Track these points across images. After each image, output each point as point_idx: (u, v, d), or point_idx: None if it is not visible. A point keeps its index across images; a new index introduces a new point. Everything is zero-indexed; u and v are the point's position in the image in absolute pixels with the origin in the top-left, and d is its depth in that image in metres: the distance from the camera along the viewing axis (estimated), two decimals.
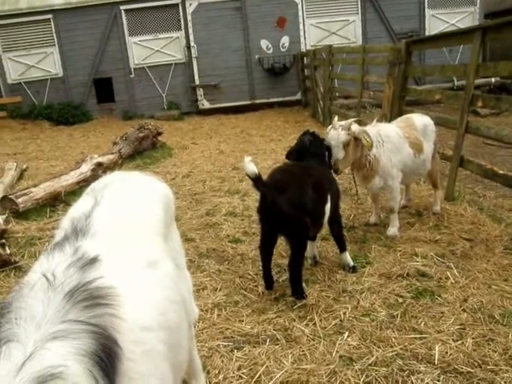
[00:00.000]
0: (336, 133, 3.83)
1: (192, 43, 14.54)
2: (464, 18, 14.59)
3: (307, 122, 11.67)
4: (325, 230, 4.41)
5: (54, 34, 14.44)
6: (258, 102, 14.89)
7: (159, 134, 9.20)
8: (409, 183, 4.90)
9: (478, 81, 10.55)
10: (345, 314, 3.01)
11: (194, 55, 14.61)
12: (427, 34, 14.22)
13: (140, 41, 14.61)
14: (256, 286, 3.46)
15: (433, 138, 4.53)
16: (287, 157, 3.79)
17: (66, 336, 0.92)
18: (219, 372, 2.52)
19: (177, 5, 14.37)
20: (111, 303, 1.05)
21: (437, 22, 14.62)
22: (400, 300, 3.14)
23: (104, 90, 14.69)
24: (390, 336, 2.74)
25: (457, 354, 2.54)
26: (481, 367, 2.43)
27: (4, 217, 4.70)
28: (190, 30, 14.47)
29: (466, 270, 3.49)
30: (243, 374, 2.50)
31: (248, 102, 14.86)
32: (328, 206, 3.45)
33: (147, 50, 14.65)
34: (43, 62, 14.66)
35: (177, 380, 1.38)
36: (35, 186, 5.52)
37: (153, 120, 12.38)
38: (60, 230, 1.47)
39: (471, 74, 4.84)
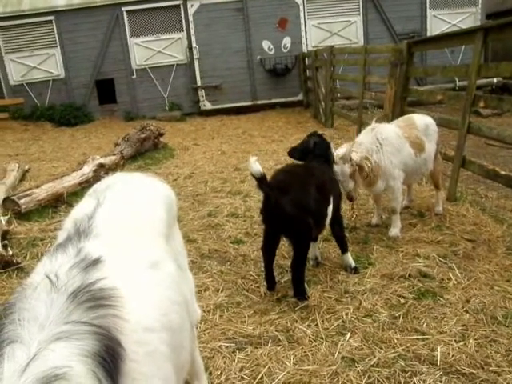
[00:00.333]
0: (339, 168, 3.84)
1: (194, 44, 14.56)
2: (466, 19, 14.58)
3: (309, 123, 11.67)
4: (326, 231, 4.41)
5: (56, 36, 14.47)
6: (259, 102, 14.90)
7: (161, 135, 9.21)
8: (411, 183, 4.89)
9: (480, 81, 10.54)
10: (347, 314, 3.01)
11: (195, 56, 14.62)
12: (429, 34, 14.21)
13: (142, 42, 14.64)
14: (258, 287, 3.46)
15: (435, 138, 4.53)
16: (290, 153, 3.79)
17: (70, 337, 0.92)
18: (221, 373, 2.52)
19: (178, 6, 14.39)
20: (114, 304, 1.05)
21: (438, 23, 14.61)
22: (402, 301, 3.13)
23: (106, 91, 14.72)
24: (392, 337, 2.73)
25: (459, 355, 2.54)
26: (483, 368, 2.43)
27: (6, 218, 4.71)
28: (192, 31, 14.49)
29: (468, 271, 3.48)
30: (245, 374, 2.50)
31: (250, 103, 14.87)
32: (331, 208, 3.45)
33: (149, 51, 14.67)
34: (45, 64, 14.69)
35: (179, 381, 1.38)
36: (37, 187, 5.53)
37: (154, 121, 12.39)
38: (63, 231, 1.47)
39: (473, 75, 4.84)
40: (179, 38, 14.68)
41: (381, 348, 2.65)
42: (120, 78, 14.79)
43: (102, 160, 6.91)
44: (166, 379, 1.18)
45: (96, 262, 1.16)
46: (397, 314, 2.97)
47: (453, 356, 2.53)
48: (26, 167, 7.76)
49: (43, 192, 5.42)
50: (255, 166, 2.98)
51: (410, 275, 3.45)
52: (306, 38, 14.75)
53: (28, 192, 5.31)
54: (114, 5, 14.21)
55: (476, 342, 2.64)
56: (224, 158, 8.19)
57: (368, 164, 3.93)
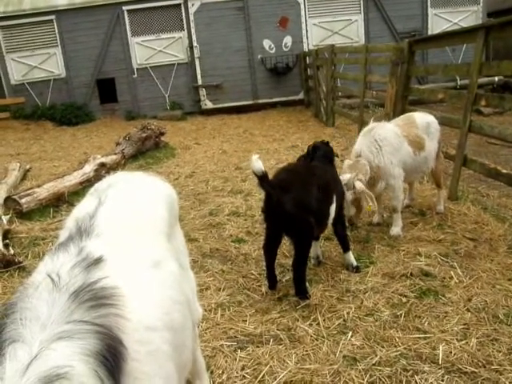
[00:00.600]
0: None
1: (194, 43, 14.56)
2: (467, 17, 14.56)
3: (310, 122, 11.67)
4: (328, 229, 4.41)
5: (57, 35, 14.49)
6: (260, 101, 14.90)
7: (162, 134, 9.21)
8: (412, 182, 4.88)
9: (482, 80, 10.53)
10: (348, 313, 3.00)
11: (196, 55, 14.62)
12: (430, 33, 14.20)
13: (142, 41, 14.64)
14: (259, 286, 3.46)
15: (437, 137, 4.52)
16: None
17: (72, 336, 0.92)
18: (223, 372, 2.52)
19: (179, 5, 14.39)
20: (116, 303, 1.05)
21: (440, 21, 14.60)
22: (404, 300, 3.13)
23: (107, 90, 14.73)
24: (394, 336, 2.73)
25: (461, 353, 2.53)
26: (485, 367, 2.42)
27: (8, 217, 4.71)
28: (193, 30, 14.49)
29: (469, 270, 3.48)
30: (247, 373, 2.50)
31: (251, 102, 14.87)
32: (333, 207, 3.45)
33: (150, 50, 14.68)
34: (46, 63, 14.70)
35: (181, 380, 1.38)
36: (39, 186, 5.53)
37: (155, 120, 12.41)
38: (64, 230, 1.47)
39: (474, 73, 4.83)
40: (180, 37, 14.68)
41: (382, 347, 2.64)
42: (121, 78, 14.80)
43: (103, 159, 6.91)
44: (167, 378, 1.18)
45: (98, 261, 1.16)
46: (398, 313, 2.97)
47: (454, 355, 2.53)
48: (28, 166, 7.77)
49: (44, 191, 5.42)
50: (257, 163, 2.97)
51: (411, 274, 3.45)
52: (307, 37, 14.74)
53: (29, 191, 5.31)
54: (115, 4, 14.21)
55: (478, 340, 2.64)
56: (225, 157, 8.19)
57: (368, 201, 3.87)
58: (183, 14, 14.46)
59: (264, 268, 3.50)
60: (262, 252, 3.49)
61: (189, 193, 6.02)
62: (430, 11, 14.67)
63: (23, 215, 5.06)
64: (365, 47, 9.29)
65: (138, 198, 1.67)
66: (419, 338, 2.71)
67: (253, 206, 5.19)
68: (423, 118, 4.49)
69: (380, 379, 2.39)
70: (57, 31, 14.45)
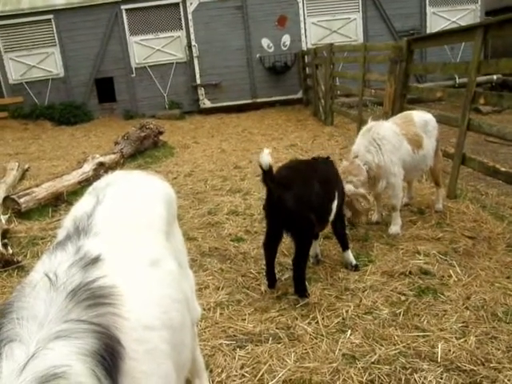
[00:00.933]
0: None
1: (193, 42, 14.54)
2: (465, 16, 14.56)
3: (309, 121, 11.66)
4: (327, 228, 4.41)
5: (56, 34, 14.46)
6: (259, 100, 14.88)
7: (161, 133, 9.20)
8: (410, 180, 4.89)
9: (480, 78, 10.52)
10: (347, 312, 3.01)
11: (195, 54, 14.61)
12: (428, 31, 14.18)
13: (141, 40, 14.62)
14: (258, 285, 3.46)
15: (434, 135, 4.52)
16: None
17: (69, 335, 0.92)
18: (222, 371, 2.52)
19: (178, 4, 14.37)
20: (114, 302, 1.05)
21: (438, 20, 14.59)
22: (402, 298, 3.13)
23: (105, 89, 14.71)
24: (393, 334, 2.73)
25: (460, 351, 2.54)
26: (484, 365, 2.42)
27: (6, 217, 4.71)
28: (191, 29, 14.47)
29: (468, 268, 3.48)
30: (246, 372, 2.50)
31: (249, 101, 14.86)
32: (335, 204, 3.46)
33: (148, 49, 14.66)
34: (44, 62, 14.68)
35: (180, 379, 1.38)
36: (37, 185, 5.53)
37: (154, 119, 12.39)
38: (62, 229, 1.47)
39: (473, 72, 4.83)
40: (178, 37, 14.66)
41: (381, 345, 2.64)
42: (119, 77, 14.78)
43: (102, 159, 6.91)
44: (166, 377, 1.18)
45: (95, 260, 1.16)
46: (397, 311, 2.97)
47: (453, 353, 2.53)
48: (26, 166, 7.76)
49: (43, 191, 5.42)
50: (266, 157, 2.97)
51: (410, 272, 3.45)
52: (306, 36, 14.73)
53: (28, 191, 5.30)
54: (113, 3, 14.19)
55: (476, 338, 2.64)
56: (224, 156, 8.19)
57: (361, 202, 3.90)
58: (182, 13, 14.44)
59: (263, 267, 3.50)
60: (262, 250, 3.49)
61: (187, 192, 6.02)
62: (429, 10, 14.67)
63: (22, 215, 5.06)
64: (363, 46, 9.29)
65: (136, 196, 1.66)
66: (418, 336, 2.71)
67: (252, 205, 5.19)
68: (421, 116, 4.49)
69: (379, 377, 2.39)
70: (55, 30, 14.43)
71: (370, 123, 4.31)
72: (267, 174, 3.04)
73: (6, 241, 4.24)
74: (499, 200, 4.99)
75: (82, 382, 0.87)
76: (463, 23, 12.99)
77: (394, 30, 14.56)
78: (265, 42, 14.64)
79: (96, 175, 6.18)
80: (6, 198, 5.16)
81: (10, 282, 3.68)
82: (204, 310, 3.06)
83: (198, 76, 14.79)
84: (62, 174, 6.13)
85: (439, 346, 2.58)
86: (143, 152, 8.60)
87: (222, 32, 14.39)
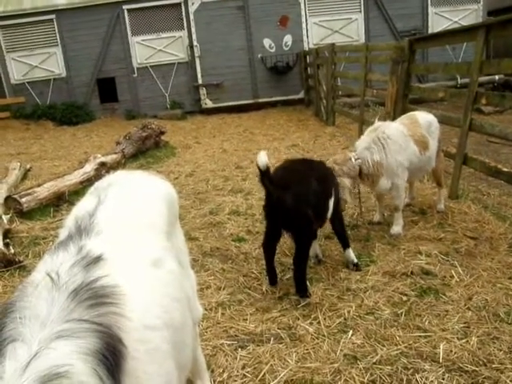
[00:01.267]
0: None
1: (195, 42, 14.54)
2: (467, 16, 14.54)
3: (310, 121, 11.66)
4: (328, 228, 4.41)
5: (57, 34, 14.47)
6: (260, 100, 14.88)
7: (162, 133, 9.21)
8: (413, 181, 4.88)
9: (482, 78, 10.51)
10: (349, 312, 3.00)
11: (196, 54, 14.61)
12: (430, 31, 14.17)
13: (143, 40, 14.63)
14: (260, 285, 3.46)
15: (437, 136, 4.52)
16: None
17: (71, 335, 0.92)
18: (223, 371, 2.52)
19: (179, 4, 14.37)
20: (116, 302, 1.05)
21: (440, 20, 14.57)
22: (404, 298, 3.13)
23: (107, 89, 14.72)
24: (395, 334, 2.73)
25: (461, 352, 2.53)
26: (486, 366, 2.42)
27: (8, 216, 4.72)
28: (193, 30, 14.47)
29: (470, 268, 3.48)
30: (247, 372, 2.50)
31: (251, 101, 14.86)
32: (332, 201, 3.49)
33: (150, 49, 14.67)
34: (46, 63, 14.69)
35: (182, 378, 1.38)
36: (39, 185, 5.54)
37: (156, 119, 12.40)
38: (64, 229, 1.47)
39: (475, 72, 4.83)
40: (180, 37, 14.66)
41: (383, 345, 2.64)
42: (121, 77, 14.79)
43: (104, 159, 6.92)
44: (167, 377, 1.18)
45: (97, 260, 1.16)
46: (399, 312, 2.97)
47: (455, 353, 2.53)
48: (28, 166, 7.77)
49: (45, 191, 5.42)
50: (263, 158, 2.98)
51: (411, 273, 3.44)
52: (307, 36, 14.72)
53: (30, 191, 5.31)
54: (115, 3, 14.19)
55: (478, 339, 2.63)
56: (225, 156, 8.19)
57: (345, 194, 3.92)
58: (183, 13, 14.44)
59: (264, 267, 3.50)
60: (262, 249, 3.51)
61: (189, 192, 6.02)
62: (431, 10, 14.65)
63: (24, 214, 5.06)
64: (365, 46, 9.28)
65: (137, 196, 1.66)
66: (420, 336, 2.71)
67: (253, 205, 5.19)
68: (425, 117, 4.48)
69: (381, 378, 2.39)
70: (57, 30, 14.44)
71: (377, 123, 4.32)
72: (264, 175, 3.04)
73: (7, 240, 4.24)
74: (501, 200, 4.98)
75: (84, 381, 0.87)
76: (465, 23, 12.97)
77: (395, 31, 14.55)
78: (266, 42, 14.64)
79: (97, 175, 6.18)
80: (7, 198, 5.16)
81: (12, 282, 3.69)
82: (205, 309, 3.06)
83: (199, 76, 14.80)
84: (64, 174, 6.14)
85: (441, 347, 2.57)
86: (145, 152, 8.60)
87: (223, 32, 14.39)
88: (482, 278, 3.32)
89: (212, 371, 2.51)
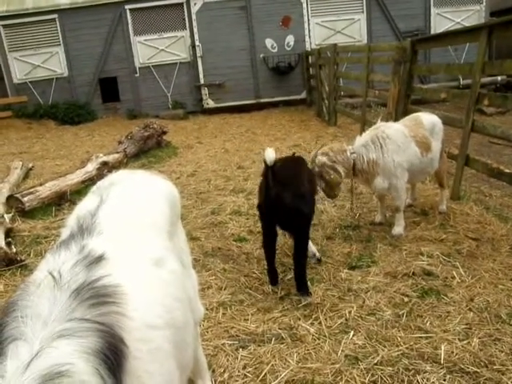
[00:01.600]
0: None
1: (197, 42, 14.55)
2: (470, 17, 14.52)
3: (312, 121, 11.65)
4: (329, 228, 4.41)
5: (60, 34, 14.49)
6: (262, 101, 14.88)
7: (164, 133, 9.21)
8: (415, 182, 4.88)
9: (484, 79, 10.50)
10: (350, 313, 3.00)
11: (198, 54, 14.62)
12: (432, 32, 14.15)
13: (145, 40, 14.63)
14: (261, 285, 3.46)
15: (441, 137, 4.51)
16: None
17: (73, 334, 0.92)
18: (224, 371, 2.52)
19: (181, 4, 14.38)
20: (117, 301, 1.05)
21: (442, 21, 14.55)
22: (406, 299, 3.13)
23: (109, 89, 14.73)
24: (396, 335, 2.73)
25: (463, 353, 2.53)
26: (487, 367, 2.42)
27: (10, 215, 4.72)
28: (195, 30, 14.47)
29: (472, 270, 3.47)
30: (248, 372, 2.50)
31: (253, 101, 14.85)
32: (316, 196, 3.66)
33: (152, 49, 14.68)
34: (49, 62, 14.71)
35: (183, 378, 1.38)
36: (41, 184, 5.54)
37: (158, 119, 12.40)
38: (66, 228, 1.47)
39: (477, 73, 4.82)
40: (182, 37, 14.67)
41: (384, 346, 2.64)
42: (123, 77, 14.80)
43: (106, 158, 6.92)
44: (169, 376, 1.18)
45: (99, 259, 1.16)
46: (400, 313, 2.97)
47: (456, 354, 2.52)
48: (30, 165, 7.78)
49: (47, 190, 5.43)
50: (272, 154, 3.08)
51: (413, 273, 3.44)
52: (310, 36, 14.71)
53: (32, 190, 5.32)
54: (118, 3, 14.20)
55: (480, 340, 2.63)
56: (227, 156, 8.19)
57: (330, 173, 4.01)
58: (185, 13, 14.45)
59: (266, 267, 3.51)
60: (263, 250, 3.52)
61: (191, 192, 6.02)
62: (433, 10, 14.63)
63: (25, 214, 5.07)
64: (367, 46, 9.28)
65: (139, 196, 1.67)
66: (421, 337, 2.70)
67: (255, 205, 5.17)
68: (429, 119, 4.47)
69: (382, 378, 2.38)
70: (59, 30, 14.45)
71: (379, 123, 4.34)
72: (270, 170, 3.11)
73: (9, 239, 4.25)
74: (503, 201, 4.97)
75: (86, 380, 0.87)
76: (468, 24, 12.96)
77: (398, 31, 14.54)
78: (269, 42, 14.63)
79: (99, 174, 6.19)
80: (9, 197, 5.17)
81: (14, 281, 3.69)
82: (207, 309, 3.06)
83: (201, 76, 14.80)
84: (66, 173, 6.15)
85: (442, 348, 2.57)
86: (147, 152, 8.61)
87: (225, 32, 14.39)
88: (484, 280, 3.31)
89: (213, 371, 2.51)
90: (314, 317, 2.99)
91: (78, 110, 14.33)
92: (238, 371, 2.51)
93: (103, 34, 14.43)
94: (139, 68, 14.79)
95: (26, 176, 7.22)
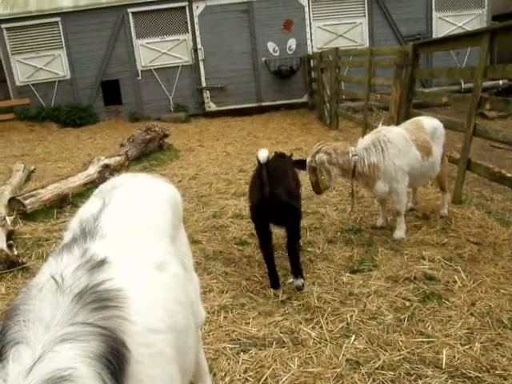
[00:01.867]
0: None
1: (199, 45, 14.58)
2: (472, 21, 14.53)
3: (314, 125, 11.66)
4: (330, 232, 4.41)
5: (62, 37, 14.53)
6: (264, 104, 14.89)
7: (166, 136, 9.23)
8: (417, 186, 4.87)
9: (486, 83, 10.50)
10: (351, 317, 3.00)
11: (200, 57, 14.65)
12: (434, 36, 14.16)
13: (147, 43, 14.67)
14: (262, 289, 3.46)
15: (442, 141, 4.51)
16: None
17: (75, 338, 0.92)
18: (225, 374, 2.52)
19: (184, 7, 14.42)
20: (120, 305, 1.05)
21: (444, 25, 14.57)
22: (407, 303, 3.12)
23: (111, 92, 14.76)
24: (397, 340, 2.72)
25: (464, 358, 2.52)
26: (489, 372, 2.41)
27: (12, 218, 4.73)
28: (197, 33, 14.51)
29: (473, 274, 3.46)
30: (249, 376, 2.50)
31: (254, 105, 14.88)
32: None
33: (154, 52, 14.71)
34: (51, 65, 14.75)
35: (184, 382, 1.38)
36: (43, 187, 5.55)
37: (159, 122, 12.38)
38: (68, 231, 1.47)
39: (479, 77, 4.82)
40: (184, 40, 14.70)
41: (385, 351, 2.63)
42: (125, 79, 14.84)
43: (107, 161, 6.93)
44: (170, 380, 1.18)
45: (101, 263, 1.16)
46: (402, 317, 2.96)
47: (458, 359, 2.52)
48: (32, 167, 7.80)
49: (48, 192, 5.44)
50: (265, 153, 3.27)
51: (414, 278, 3.44)
52: (311, 40, 14.74)
53: (33, 192, 5.33)
54: (120, 6, 14.25)
55: (482, 345, 2.62)
56: (229, 160, 8.19)
57: (323, 173, 4.11)
58: (188, 17, 14.48)
59: (266, 270, 3.51)
60: (261, 252, 3.58)
61: (192, 195, 6.02)
62: (435, 14, 14.65)
63: (27, 216, 5.08)
64: (369, 50, 9.30)
65: (142, 199, 1.67)
66: (423, 342, 2.70)
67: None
68: (430, 123, 4.47)
69: (383, 383, 2.38)
70: (62, 33, 14.50)
71: (380, 127, 4.34)
72: (263, 167, 3.28)
73: (11, 242, 4.25)
74: (505, 206, 4.97)
75: None
76: (469, 28, 12.96)
77: (399, 35, 14.55)
78: (270, 45, 14.66)
79: (101, 177, 6.20)
80: (11, 200, 5.18)
81: (15, 283, 3.70)
82: (208, 313, 3.06)
83: (203, 79, 14.82)
84: (68, 176, 6.16)
85: (444, 353, 2.56)
86: (148, 154, 8.62)
87: (227, 35, 14.42)
88: (486, 284, 3.31)
89: (214, 375, 2.51)
90: (315, 321, 2.99)
91: (80, 113, 14.36)
92: (239, 375, 2.51)
93: (105, 37, 14.47)
94: (141, 71, 14.82)
95: (27, 178, 7.23)
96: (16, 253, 4.05)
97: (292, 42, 14.69)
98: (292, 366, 2.55)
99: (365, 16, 14.66)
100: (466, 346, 2.62)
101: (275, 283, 3.45)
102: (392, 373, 2.45)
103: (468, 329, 2.80)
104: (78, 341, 0.92)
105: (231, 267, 3.85)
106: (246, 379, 2.47)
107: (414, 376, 2.42)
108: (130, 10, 14.33)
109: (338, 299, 3.24)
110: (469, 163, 5.03)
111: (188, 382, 1.51)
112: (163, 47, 14.70)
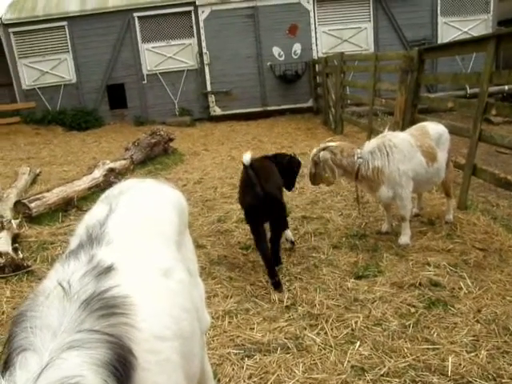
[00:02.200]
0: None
1: (204, 50, 14.63)
2: (477, 26, 14.51)
3: (319, 130, 11.66)
4: (336, 237, 4.41)
5: (69, 41, 14.63)
6: (269, 108, 14.91)
7: (171, 140, 9.24)
8: (421, 192, 4.86)
9: (492, 88, 10.46)
10: (356, 323, 2.99)
11: (206, 62, 14.69)
12: (440, 41, 14.15)
13: (153, 47, 14.74)
14: (267, 294, 3.45)
15: (447, 147, 4.50)
16: None
17: (82, 345, 0.92)
18: (230, 380, 2.52)
19: (189, 12, 14.48)
20: (126, 312, 1.05)
21: (449, 30, 14.56)
22: (412, 310, 3.11)
23: (116, 95, 14.82)
24: (402, 346, 2.71)
25: (470, 365, 2.51)
26: (495, 380, 2.39)
27: (17, 221, 4.74)
28: (203, 37, 14.56)
29: (479, 280, 3.45)
30: (254, 382, 2.49)
31: (260, 109, 14.89)
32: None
33: (160, 56, 14.77)
34: (57, 68, 14.84)
35: None
36: (48, 190, 5.57)
37: (164, 126, 12.43)
38: (75, 237, 1.47)
39: (485, 82, 4.81)
40: (190, 44, 14.75)
41: (391, 357, 2.62)
42: (131, 83, 14.90)
43: (112, 164, 6.95)
44: None
45: (108, 270, 1.16)
46: (407, 323, 2.95)
47: (464, 367, 2.50)
48: (37, 171, 7.83)
49: (54, 196, 5.45)
50: (248, 156, 3.59)
51: (420, 284, 3.42)
52: (317, 45, 14.76)
53: (39, 196, 5.34)
54: (126, 11, 14.33)
55: (488, 352, 2.61)
56: (233, 164, 8.19)
57: (326, 172, 4.20)
58: (193, 21, 14.54)
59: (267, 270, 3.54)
60: (259, 251, 3.70)
61: (197, 199, 6.03)
62: (440, 20, 14.64)
63: (32, 219, 5.09)
64: (374, 55, 9.30)
65: (148, 205, 1.67)
66: (428, 348, 2.68)
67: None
68: (435, 129, 4.46)
69: None
70: (68, 37, 14.59)
71: (386, 132, 4.35)
72: (248, 168, 3.57)
73: (16, 245, 4.26)
74: (511, 212, 4.95)
75: None
76: (475, 33, 12.95)
77: (405, 40, 14.55)
78: (276, 50, 14.69)
79: (106, 181, 6.22)
80: (17, 203, 5.20)
81: (20, 287, 3.70)
82: (212, 318, 3.05)
83: (208, 83, 14.86)
84: (73, 180, 6.18)
85: (449, 360, 2.55)
86: (153, 158, 8.64)
87: (233, 40, 14.46)
88: (491, 291, 3.29)
89: (218, 380, 2.51)
90: (319, 327, 2.98)
91: (85, 117, 14.43)
92: (244, 381, 2.50)
93: (111, 41, 14.55)
94: (147, 75, 14.88)
95: (33, 181, 7.26)
96: (21, 256, 4.06)
97: (297, 47, 14.71)
98: (296, 372, 2.54)
99: (370, 21, 14.67)
100: (472, 354, 2.61)
101: (276, 284, 3.46)
102: (397, 380, 2.43)
103: (474, 336, 2.78)
104: (85, 348, 0.92)
105: (236, 272, 3.84)
106: None
107: (419, 383, 2.40)
108: (135, 15, 14.40)
109: (343, 305, 3.23)
110: (474, 169, 5.01)
111: None
112: (169, 51, 14.76)
